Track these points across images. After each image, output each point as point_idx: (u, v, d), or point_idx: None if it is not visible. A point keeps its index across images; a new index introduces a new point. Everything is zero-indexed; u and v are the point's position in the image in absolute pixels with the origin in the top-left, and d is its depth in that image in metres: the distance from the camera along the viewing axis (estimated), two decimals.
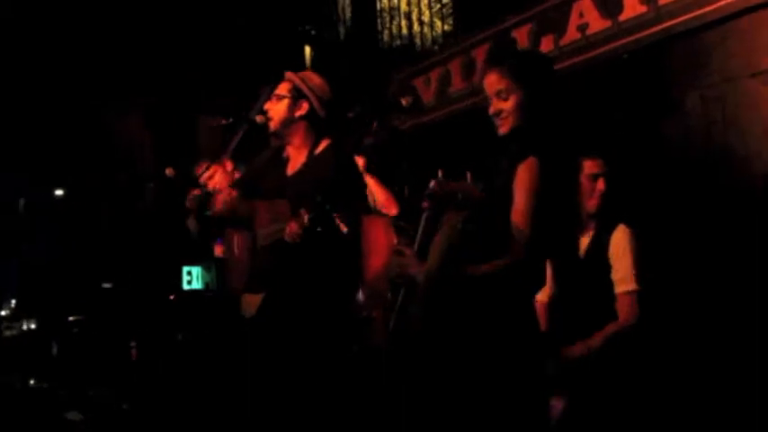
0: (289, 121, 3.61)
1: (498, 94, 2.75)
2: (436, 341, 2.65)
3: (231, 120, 3.79)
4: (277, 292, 3.44)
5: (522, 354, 2.59)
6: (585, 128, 4.70)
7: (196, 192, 4.11)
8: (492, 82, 2.78)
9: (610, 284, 3.43)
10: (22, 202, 6.96)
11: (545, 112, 2.73)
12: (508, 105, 2.73)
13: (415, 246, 2.77)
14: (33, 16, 6.91)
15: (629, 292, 3.37)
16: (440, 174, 2.82)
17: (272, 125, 3.61)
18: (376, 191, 4.24)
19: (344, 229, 3.33)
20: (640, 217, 3.63)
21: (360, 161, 4.07)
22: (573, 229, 3.44)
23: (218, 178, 4.09)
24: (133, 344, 5.57)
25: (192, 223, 4.38)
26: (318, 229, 3.16)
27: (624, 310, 3.37)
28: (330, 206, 3.11)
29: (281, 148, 3.72)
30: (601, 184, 3.56)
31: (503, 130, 2.74)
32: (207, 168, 3.92)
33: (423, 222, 2.77)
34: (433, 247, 2.65)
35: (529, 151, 2.59)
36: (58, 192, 8.01)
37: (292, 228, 3.21)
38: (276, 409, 3.47)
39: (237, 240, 3.68)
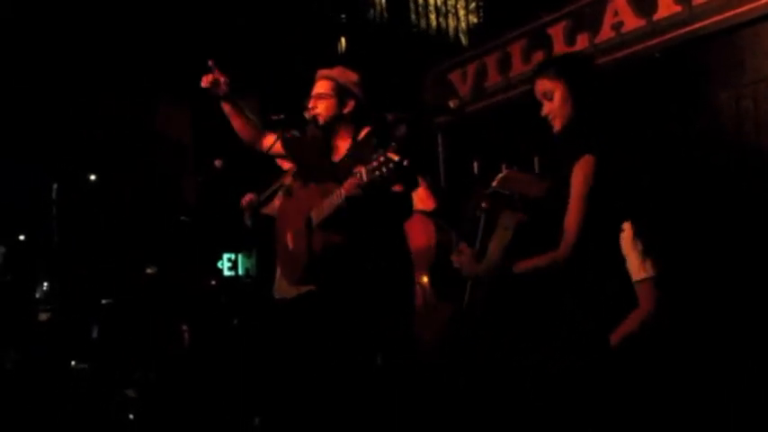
0: (338, 118, 3.79)
1: (545, 95, 2.95)
2: (497, 330, 2.83)
3: (283, 116, 3.98)
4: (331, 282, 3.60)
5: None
6: (619, 125, 4.86)
7: (250, 197, 4.35)
8: (539, 87, 2.99)
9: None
10: (55, 186, 7.06)
11: (592, 106, 2.90)
12: (555, 103, 2.93)
13: (477, 244, 2.91)
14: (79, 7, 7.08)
15: (644, 280, 3.47)
16: (503, 169, 2.97)
17: (321, 120, 3.78)
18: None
19: (400, 189, 3.48)
20: (672, 214, 3.73)
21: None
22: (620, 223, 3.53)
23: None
24: (185, 327, 5.73)
25: (247, 219, 4.61)
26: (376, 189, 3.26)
27: (644, 297, 3.47)
28: (387, 159, 3.18)
29: (327, 138, 3.88)
30: None
31: (556, 128, 2.94)
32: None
33: (482, 222, 2.92)
34: (491, 245, 2.82)
35: (584, 149, 2.77)
36: (92, 177, 8.08)
37: (351, 182, 3.33)
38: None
39: (291, 235, 3.81)
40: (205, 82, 3.93)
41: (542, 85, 2.98)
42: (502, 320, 2.86)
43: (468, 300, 2.95)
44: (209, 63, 3.93)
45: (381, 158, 3.19)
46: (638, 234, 3.52)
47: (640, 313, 3.47)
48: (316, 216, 3.59)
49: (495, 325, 2.88)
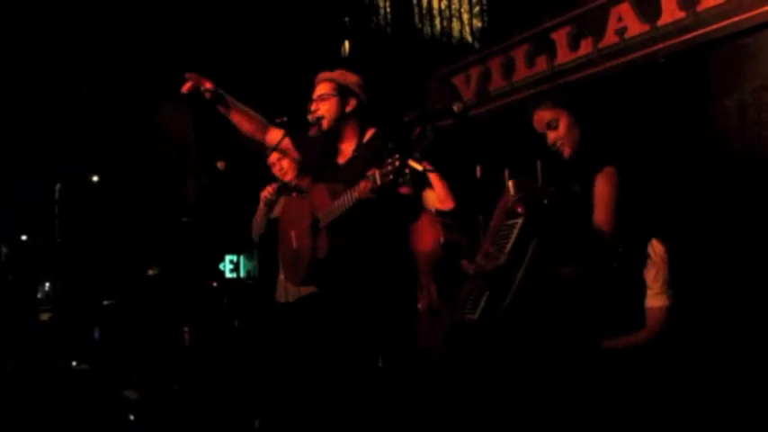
0: (340, 118, 3.77)
1: (549, 125, 2.98)
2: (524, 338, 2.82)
3: (286, 119, 3.97)
4: (337, 283, 3.59)
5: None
6: (621, 131, 4.87)
7: (272, 188, 4.33)
8: (541, 118, 3.03)
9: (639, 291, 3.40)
10: (57, 187, 7.08)
11: (598, 126, 2.94)
12: (561, 131, 2.96)
13: (509, 249, 2.87)
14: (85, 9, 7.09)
15: (659, 308, 3.32)
16: (508, 179, 2.95)
17: (325, 123, 3.76)
18: (436, 183, 4.35)
19: (408, 191, 3.47)
20: (675, 223, 3.71)
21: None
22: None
23: (286, 164, 4.60)
24: (186, 329, 5.74)
25: (259, 223, 4.57)
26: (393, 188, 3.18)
27: (653, 320, 3.33)
28: (407, 166, 3.10)
29: (331, 139, 3.86)
30: None
31: (566, 154, 2.96)
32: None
33: (519, 227, 2.86)
34: (531, 249, 2.79)
35: (605, 161, 2.79)
36: (95, 178, 8.11)
37: (365, 185, 3.26)
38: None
39: (296, 234, 3.80)
40: (184, 89, 3.87)
41: (544, 115, 3.03)
42: (528, 330, 2.85)
43: (486, 310, 2.91)
44: (186, 75, 3.88)
45: (398, 164, 3.12)
46: (668, 252, 3.43)
47: (646, 332, 3.38)
48: (324, 217, 3.57)
49: (519, 335, 2.87)
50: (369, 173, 3.24)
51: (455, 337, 3.43)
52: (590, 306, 2.86)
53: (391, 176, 3.14)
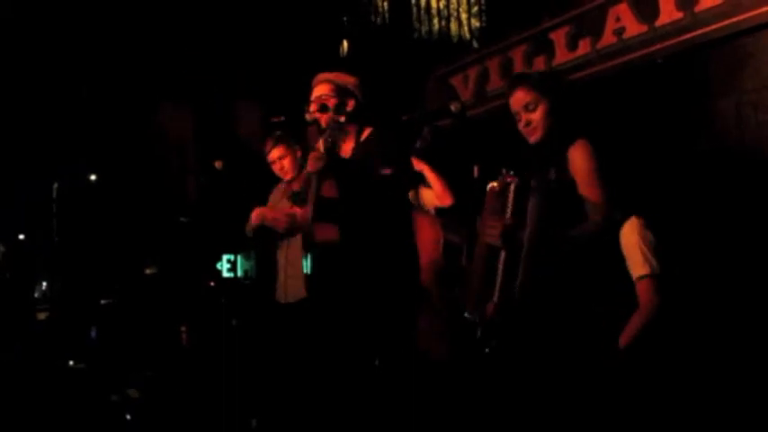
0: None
1: (526, 106, 3.01)
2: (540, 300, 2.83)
3: (283, 118, 3.98)
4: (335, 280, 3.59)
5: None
6: (618, 130, 4.87)
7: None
8: (519, 97, 3.05)
9: (623, 272, 3.48)
10: (55, 186, 7.08)
11: (570, 118, 2.98)
12: (537, 115, 2.99)
13: (508, 213, 2.86)
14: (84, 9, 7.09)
15: (643, 277, 3.41)
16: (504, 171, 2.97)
17: (324, 123, 3.77)
18: (432, 180, 4.32)
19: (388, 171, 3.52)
20: (672, 221, 3.72)
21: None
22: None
23: (287, 163, 4.54)
24: (183, 328, 5.74)
25: (252, 226, 4.57)
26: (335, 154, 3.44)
27: (643, 295, 3.41)
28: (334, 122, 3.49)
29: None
30: None
31: (533, 138, 3.00)
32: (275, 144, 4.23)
33: (512, 192, 2.88)
34: (529, 210, 2.80)
35: (575, 135, 2.83)
36: (92, 177, 8.10)
37: (310, 157, 3.47)
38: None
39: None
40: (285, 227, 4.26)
41: (524, 96, 3.05)
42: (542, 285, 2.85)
43: (505, 267, 2.88)
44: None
45: (332, 125, 3.48)
46: (647, 227, 3.49)
47: (641, 315, 3.41)
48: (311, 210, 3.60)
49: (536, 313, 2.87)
50: (316, 145, 3.50)
51: (464, 336, 3.41)
52: (595, 280, 2.90)
53: (329, 139, 3.43)
